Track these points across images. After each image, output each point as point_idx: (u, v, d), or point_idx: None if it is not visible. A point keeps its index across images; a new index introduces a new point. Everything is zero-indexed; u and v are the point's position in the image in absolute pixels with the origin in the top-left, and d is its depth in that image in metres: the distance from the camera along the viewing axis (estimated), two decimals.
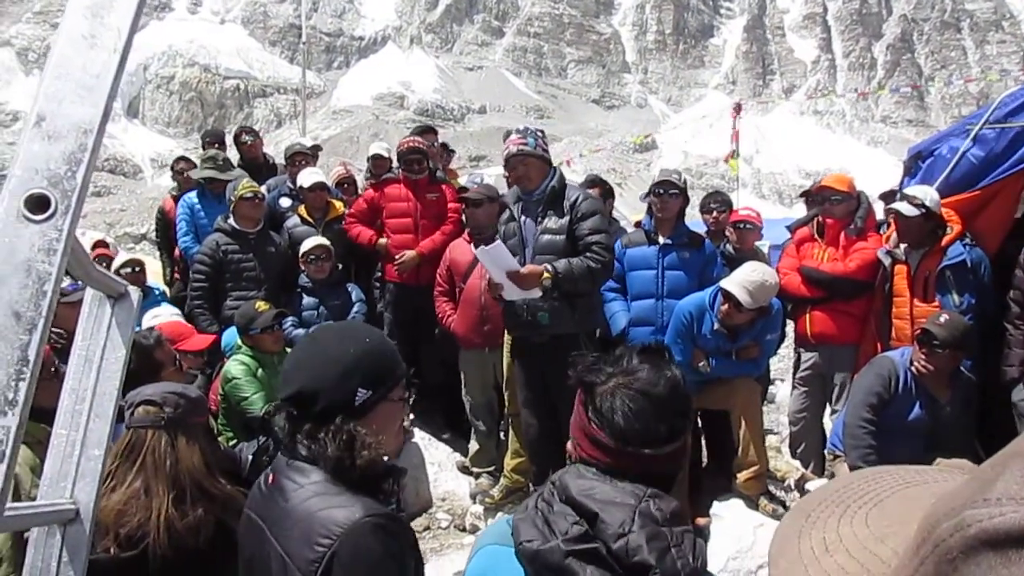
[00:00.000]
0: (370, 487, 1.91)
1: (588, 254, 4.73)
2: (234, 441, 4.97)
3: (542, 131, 5.08)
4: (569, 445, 1.78)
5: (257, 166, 8.13)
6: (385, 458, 1.95)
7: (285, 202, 7.30)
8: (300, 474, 1.90)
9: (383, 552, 1.77)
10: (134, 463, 2.38)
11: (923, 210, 5.12)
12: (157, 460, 2.40)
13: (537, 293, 4.65)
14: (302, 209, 6.97)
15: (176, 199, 8.11)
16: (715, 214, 6.54)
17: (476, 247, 5.32)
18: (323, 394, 1.92)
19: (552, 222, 4.83)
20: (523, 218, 4.95)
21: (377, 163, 7.64)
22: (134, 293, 1.53)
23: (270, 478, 2.00)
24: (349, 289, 6.46)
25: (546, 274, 4.62)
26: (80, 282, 4.01)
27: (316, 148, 9.06)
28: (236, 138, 8.69)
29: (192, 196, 7.53)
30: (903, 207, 5.17)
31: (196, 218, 7.35)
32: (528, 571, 1.59)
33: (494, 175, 7.36)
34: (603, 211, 5.00)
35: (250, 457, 3.40)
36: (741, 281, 4.78)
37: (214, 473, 2.51)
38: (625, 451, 1.64)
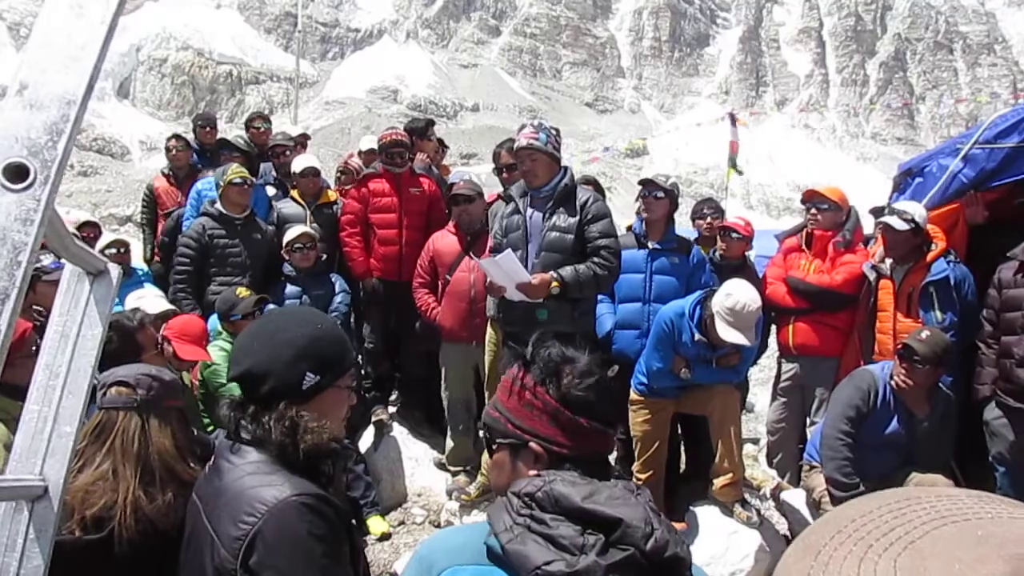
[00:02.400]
0: (310, 469, 1.90)
1: (596, 259, 4.73)
2: (212, 428, 4.94)
3: (557, 130, 5.02)
4: (536, 446, 1.65)
5: (263, 153, 8.09)
6: (333, 443, 1.94)
7: (269, 190, 7.28)
8: (237, 455, 1.90)
9: (308, 532, 1.75)
10: (103, 444, 2.34)
11: (912, 225, 5.15)
12: (126, 442, 2.36)
13: (540, 298, 4.65)
14: (294, 192, 6.94)
15: (168, 178, 8.07)
16: (709, 220, 6.53)
17: (470, 251, 5.29)
18: (271, 376, 1.92)
19: (561, 220, 4.82)
20: (530, 212, 4.92)
21: (369, 158, 7.59)
22: (114, 270, 1.51)
23: (212, 460, 1.99)
24: (333, 279, 6.42)
25: (554, 283, 4.61)
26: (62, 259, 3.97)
27: (303, 137, 9.02)
28: (249, 123, 8.70)
29: (206, 182, 7.41)
30: (893, 221, 5.20)
31: (201, 202, 7.27)
32: None
33: (483, 173, 7.31)
34: (611, 215, 4.97)
35: None
36: (727, 328, 4.64)
37: (186, 457, 2.47)
38: (606, 433, 1.65)
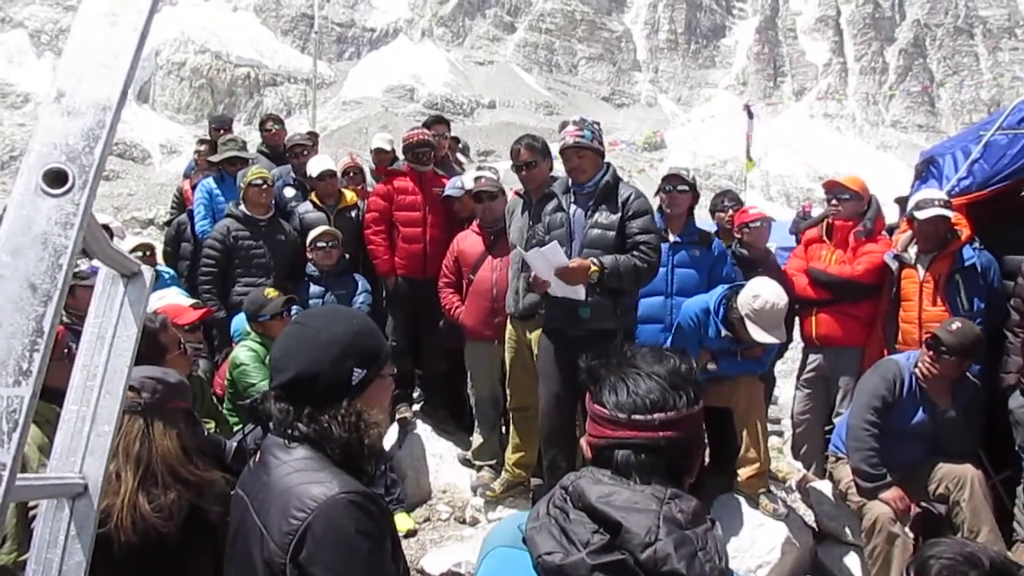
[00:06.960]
0: (354, 466, 1.94)
1: (636, 253, 4.70)
2: (240, 426, 4.99)
3: (598, 123, 5.01)
4: (582, 441, 1.72)
5: (278, 154, 8.12)
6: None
7: (289, 192, 7.29)
8: (284, 451, 1.94)
9: (355, 529, 1.79)
10: None
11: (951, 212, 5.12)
12: (128, 445, 2.40)
13: (582, 293, 4.63)
14: (314, 195, 6.96)
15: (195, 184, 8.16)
16: (730, 213, 6.46)
17: (493, 251, 5.29)
18: (322, 377, 1.95)
19: (603, 217, 4.80)
20: (573, 209, 4.91)
21: (380, 156, 7.60)
22: (147, 272, 1.54)
23: (258, 456, 2.03)
24: (356, 279, 6.46)
25: (592, 267, 4.60)
26: (97, 263, 4.02)
27: (313, 136, 9.04)
28: (262, 124, 8.73)
29: (210, 181, 7.54)
30: (943, 211, 5.10)
31: (215, 203, 7.34)
32: None
33: (501, 170, 7.30)
34: (653, 212, 4.97)
35: (234, 444, 3.38)
36: (760, 331, 4.73)
37: (192, 459, 2.50)
38: (615, 420, 1.61)
